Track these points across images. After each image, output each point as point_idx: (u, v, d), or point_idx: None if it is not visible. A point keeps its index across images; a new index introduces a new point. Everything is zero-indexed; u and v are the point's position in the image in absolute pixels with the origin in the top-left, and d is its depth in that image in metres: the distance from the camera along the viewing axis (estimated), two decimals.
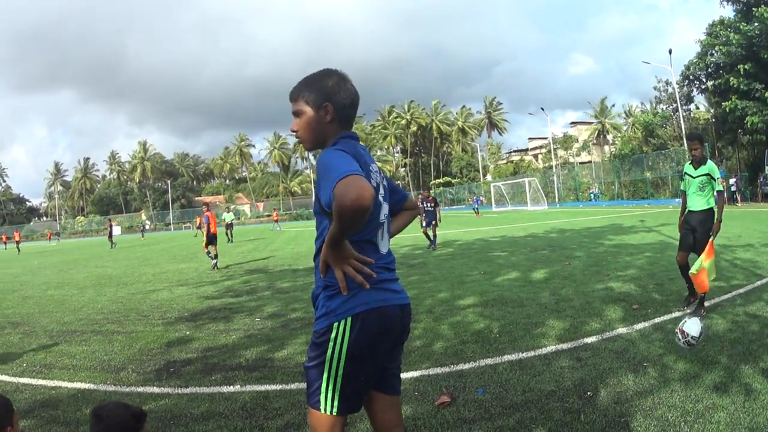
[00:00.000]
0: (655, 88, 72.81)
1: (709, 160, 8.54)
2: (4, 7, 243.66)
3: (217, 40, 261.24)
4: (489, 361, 6.49)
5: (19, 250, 53.95)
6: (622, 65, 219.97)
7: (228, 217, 39.31)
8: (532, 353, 6.65)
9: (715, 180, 8.45)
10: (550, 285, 11.06)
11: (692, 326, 5.31)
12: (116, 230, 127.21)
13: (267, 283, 15.14)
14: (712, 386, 5.19)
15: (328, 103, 3.01)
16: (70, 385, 6.96)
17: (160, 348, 8.55)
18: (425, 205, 21.62)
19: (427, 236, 21.67)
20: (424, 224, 21.64)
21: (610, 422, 4.61)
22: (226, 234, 37.03)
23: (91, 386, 6.85)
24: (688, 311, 8.06)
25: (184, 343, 8.71)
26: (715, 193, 8.49)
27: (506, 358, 6.55)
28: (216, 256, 20.84)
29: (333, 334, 2.83)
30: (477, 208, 67.10)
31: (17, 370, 7.87)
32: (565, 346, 6.85)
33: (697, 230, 8.44)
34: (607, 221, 30.90)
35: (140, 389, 6.59)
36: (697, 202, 8.54)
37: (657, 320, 7.84)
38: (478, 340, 7.40)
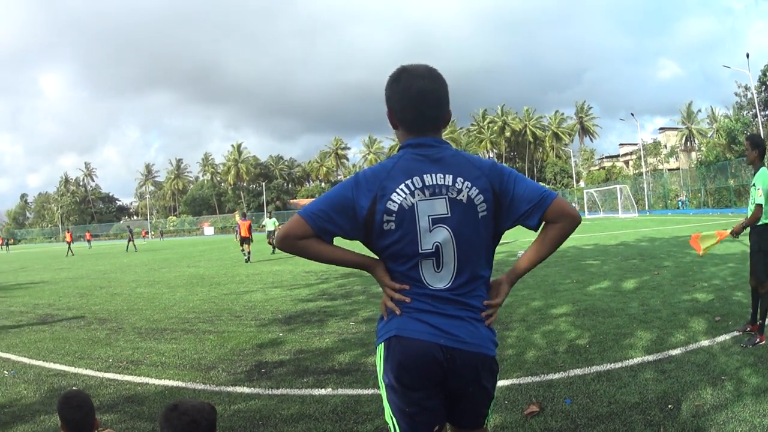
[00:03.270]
0: (735, 94, 72.11)
1: (761, 168, 7.69)
2: (104, 12, 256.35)
3: (315, 45, 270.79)
4: (578, 371, 6.63)
5: (71, 252, 52.85)
6: (705, 69, 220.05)
7: (270, 223, 37.00)
8: (619, 364, 6.77)
9: (754, 187, 7.66)
10: (639, 295, 11.19)
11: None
12: (208, 230, 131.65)
13: (362, 287, 15.19)
14: None
15: (388, 109, 2.83)
16: (157, 381, 7.23)
17: (252, 349, 8.75)
18: None
19: None
20: None
21: None
22: (269, 242, 34.59)
23: (180, 384, 7.09)
24: (742, 334, 7.71)
25: (276, 345, 8.89)
26: (752, 206, 7.66)
27: (594, 368, 6.68)
28: (249, 252, 28.33)
29: (376, 357, 2.81)
30: None
31: (102, 366, 8.20)
32: (650, 357, 6.97)
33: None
34: (693, 230, 29.87)
35: (230, 389, 6.77)
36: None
37: (737, 333, 7.78)
38: (569, 350, 7.57)
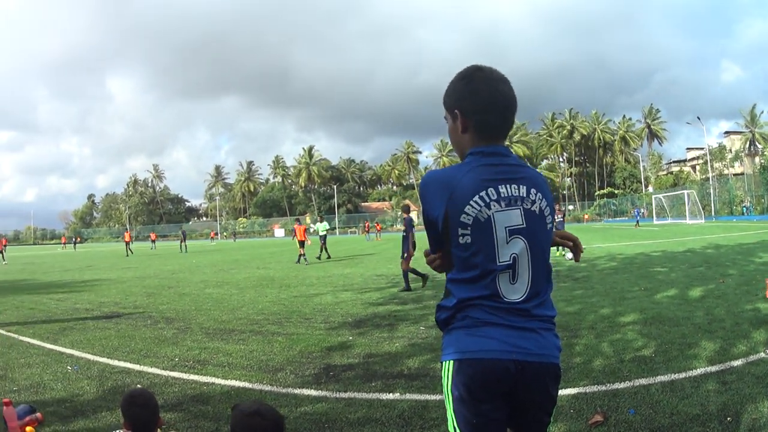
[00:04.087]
0: None
1: None
2: (174, 16, 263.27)
3: (386, 49, 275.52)
4: (643, 381, 6.68)
5: (130, 252, 54.57)
6: (767, 71, 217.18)
7: (321, 227, 35.82)
8: (683, 375, 6.81)
9: None
10: (704, 304, 11.28)
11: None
12: (279, 232, 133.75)
13: (433, 292, 15.30)
14: None
15: (457, 110, 2.77)
16: (223, 382, 7.35)
17: (321, 351, 8.84)
18: (556, 216, 23.68)
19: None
20: None
21: None
22: (322, 249, 34.26)
23: (246, 385, 7.20)
24: None
25: (345, 348, 8.97)
26: None
27: (659, 379, 6.73)
28: (303, 255, 30.20)
29: (442, 371, 2.78)
30: (638, 220, 72.41)
31: (168, 364, 8.39)
32: (713, 368, 7.00)
33: None
34: (757, 237, 31.97)
35: (297, 391, 6.85)
36: None
37: None
38: (635, 360, 7.60)
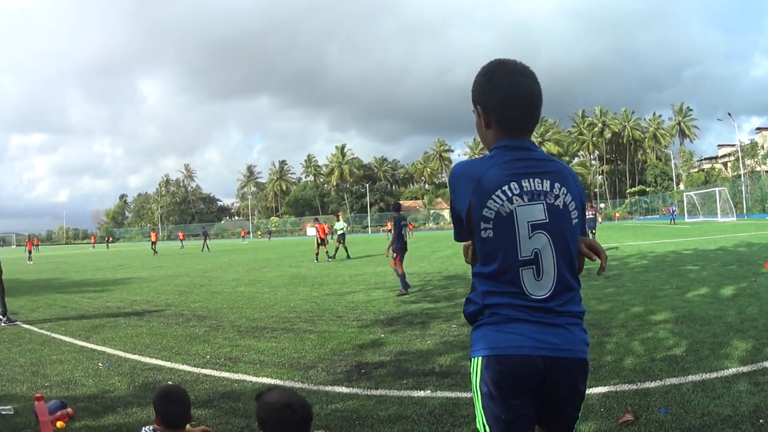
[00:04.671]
0: None
1: None
2: (206, 17, 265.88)
3: (419, 48, 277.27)
4: (674, 380, 6.63)
5: (155, 252, 54.21)
6: None
7: (338, 226, 35.90)
8: (714, 375, 6.74)
9: None
10: (736, 302, 11.17)
11: None
12: (311, 231, 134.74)
13: (465, 289, 14.91)
14: None
15: (479, 106, 2.79)
16: (254, 379, 7.40)
17: (353, 349, 8.86)
18: (587, 213, 25.25)
19: None
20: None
21: None
22: (341, 247, 33.95)
23: (278, 382, 7.25)
24: None
25: (377, 346, 8.98)
26: None
27: (690, 378, 6.67)
28: (327, 252, 32.40)
29: (471, 368, 2.76)
30: (673, 218, 73.07)
31: (199, 362, 8.46)
32: (745, 368, 6.91)
33: None
34: None
35: (328, 388, 6.87)
36: None
37: None
38: (666, 359, 7.54)
